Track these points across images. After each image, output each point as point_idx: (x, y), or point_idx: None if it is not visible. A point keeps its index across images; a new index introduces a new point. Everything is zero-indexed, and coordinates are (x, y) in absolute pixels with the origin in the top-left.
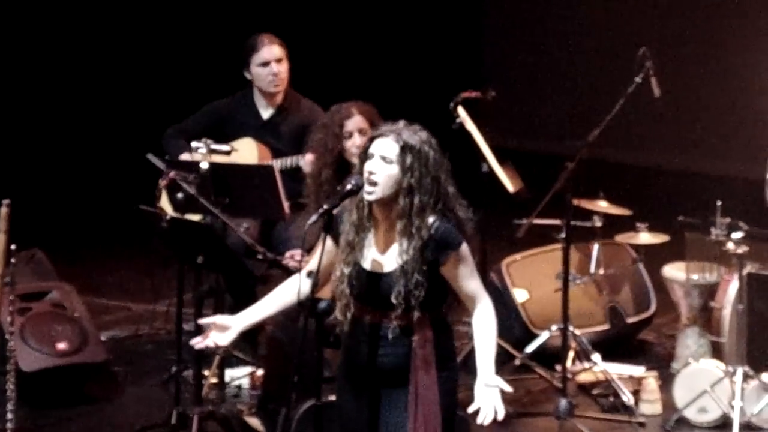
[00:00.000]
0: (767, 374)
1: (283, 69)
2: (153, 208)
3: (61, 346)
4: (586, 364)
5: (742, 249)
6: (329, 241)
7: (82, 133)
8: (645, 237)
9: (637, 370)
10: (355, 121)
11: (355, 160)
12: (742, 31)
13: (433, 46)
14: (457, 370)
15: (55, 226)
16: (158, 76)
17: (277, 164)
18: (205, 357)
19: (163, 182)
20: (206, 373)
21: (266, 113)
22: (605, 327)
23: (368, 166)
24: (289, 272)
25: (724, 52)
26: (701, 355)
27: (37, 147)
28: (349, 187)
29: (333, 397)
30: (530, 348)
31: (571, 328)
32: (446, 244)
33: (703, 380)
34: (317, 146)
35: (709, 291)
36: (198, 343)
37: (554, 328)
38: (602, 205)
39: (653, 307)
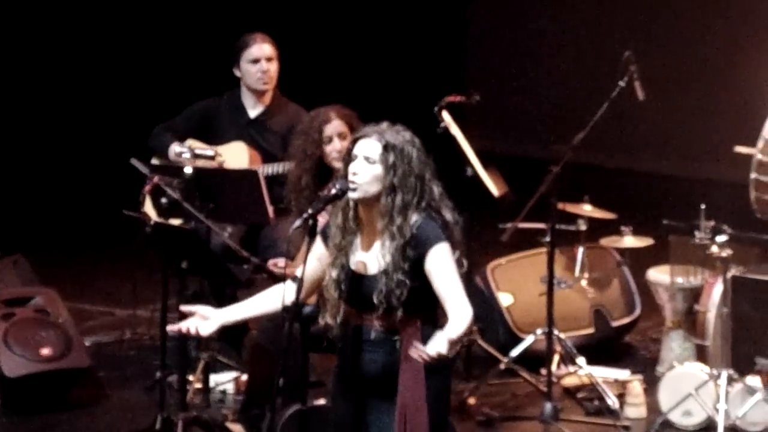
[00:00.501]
0: (751, 377)
1: (272, 68)
2: (137, 213)
3: (45, 351)
4: (571, 368)
5: (726, 252)
6: (322, 249)
7: (65, 137)
8: (629, 240)
9: (622, 374)
10: (334, 126)
11: (336, 165)
12: (725, 36)
13: (417, 50)
14: (448, 377)
15: (39, 232)
16: (143, 80)
17: (267, 170)
18: (189, 362)
19: (147, 187)
20: (191, 378)
21: (253, 112)
22: (590, 330)
23: (352, 167)
24: (273, 277)
25: (708, 56)
26: (686, 358)
27: (19, 152)
28: (333, 191)
29: (319, 402)
30: (515, 352)
31: (556, 332)
32: (426, 241)
33: (688, 383)
34: (297, 152)
35: (694, 294)
36: (174, 328)
37: (539, 331)
38: (587, 208)
39: (638, 311)
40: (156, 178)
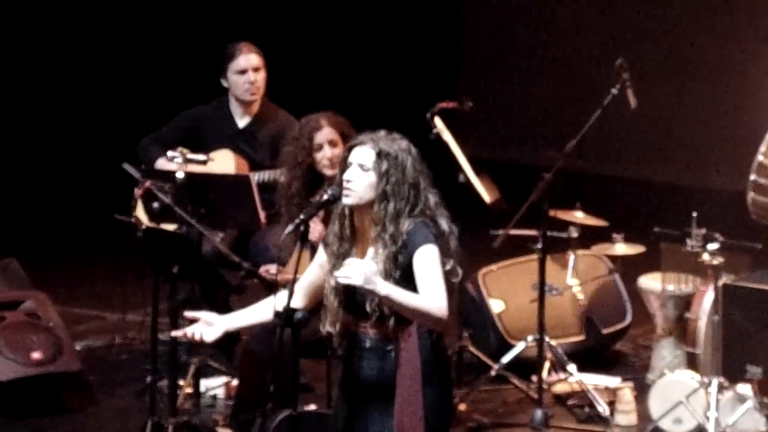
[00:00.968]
0: (742, 385)
1: (260, 78)
2: (128, 218)
3: (36, 355)
4: (562, 375)
5: (718, 260)
6: (323, 256)
7: (57, 141)
8: (621, 248)
9: (613, 381)
10: (325, 133)
11: (326, 172)
12: (718, 44)
13: (410, 56)
14: (448, 385)
15: (30, 236)
16: (135, 84)
17: (258, 176)
18: (180, 367)
19: (138, 192)
20: (181, 383)
21: (242, 122)
22: (581, 338)
23: (346, 174)
24: (264, 283)
25: (701, 63)
26: (676, 366)
27: (11, 156)
28: (325, 197)
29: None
30: (506, 359)
31: (547, 339)
32: (414, 243)
33: (679, 391)
34: (288, 159)
35: (685, 302)
36: (178, 333)
37: (530, 338)
38: (578, 215)
39: (629, 318)
40: (148, 183)
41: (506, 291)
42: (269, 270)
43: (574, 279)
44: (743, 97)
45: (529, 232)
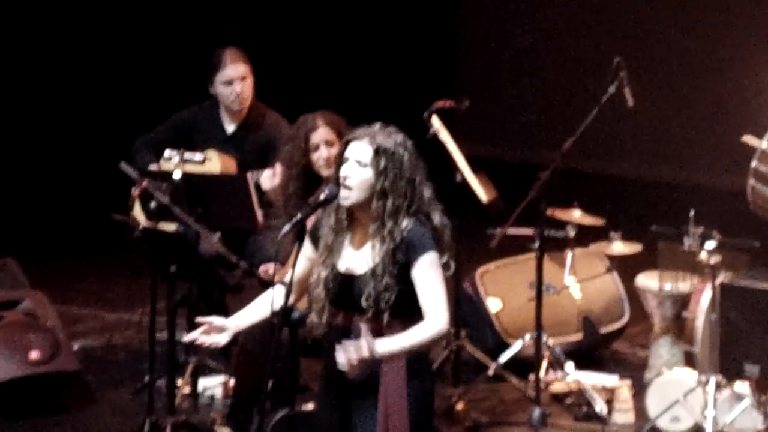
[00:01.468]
0: (739, 384)
1: (246, 87)
2: (126, 218)
3: (34, 355)
4: (560, 374)
5: (715, 259)
6: (310, 250)
7: (55, 141)
8: (618, 246)
9: (610, 380)
10: (321, 134)
11: (323, 172)
12: (715, 44)
13: (407, 55)
14: (431, 381)
15: (28, 235)
16: (130, 84)
17: (255, 176)
18: (178, 366)
19: (135, 191)
20: (179, 382)
21: (230, 128)
22: (579, 336)
23: (343, 170)
24: (262, 282)
25: (698, 62)
26: (674, 364)
27: (8, 155)
28: (323, 196)
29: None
30: (504, 357)
31: (544, 338)
32: (415, 247)
33: (676, 390)
34: (285, 159)
35: (682, 300)
36: (194, 338)
37: (528, 337)
38: (576, 214)
39: (626, 317)
40: (145, 182)
41: (504, 290)
42: (268, 269)
43: (572, 278)
44: (740, 95)
45: (527, 231)
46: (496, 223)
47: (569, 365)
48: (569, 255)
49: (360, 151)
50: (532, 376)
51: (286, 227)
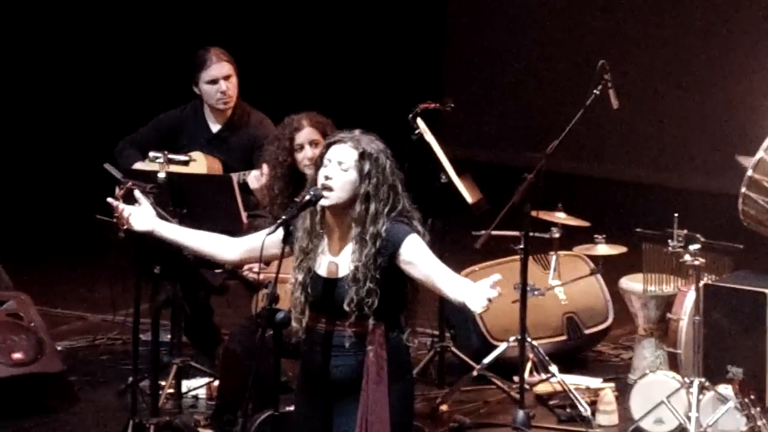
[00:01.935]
0: (723, 386)
1: (231, 86)
2: (110, 218)
3: (17, 356)
4: (544, 375)
5: (699, 261)
6: (277, 238)
7: (38, 141)
8: (603, 248)
9: (594, 381)
10: (306, 134)
11: (308, 172)
12: (701, 45)
13: (393, 57)
14: (412, 383)
15: (11, 236)
16: (114, 85)
17: (239, 177)
18: (161, 367)
19: (119, 192)
20: (163, 383)
21: (215, 127)
22: (563, 338)
23: (325, 171)
24: (246, 283)
25: (683, 64)
26: (658, 366)
27: None
28: (307, 197)
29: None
30: (488, 359)
31: (529, 339)
32: (397, 236)
33: (660, 391)
34: (270, 159)
35: (666, 302)
36: (113, 202)
37: (512, 339)
38: (560, 216)
39: (610, 319)
40: (129, 183)
41: None
42: (252, 269)
43: (556, 280)
44: (725, 98)
45: (512, 233)
46: (480, 224)
47: (553, 367)
48: (554, 257)
49: (343, 153)
50: (516, 378)
51: (272, 228)
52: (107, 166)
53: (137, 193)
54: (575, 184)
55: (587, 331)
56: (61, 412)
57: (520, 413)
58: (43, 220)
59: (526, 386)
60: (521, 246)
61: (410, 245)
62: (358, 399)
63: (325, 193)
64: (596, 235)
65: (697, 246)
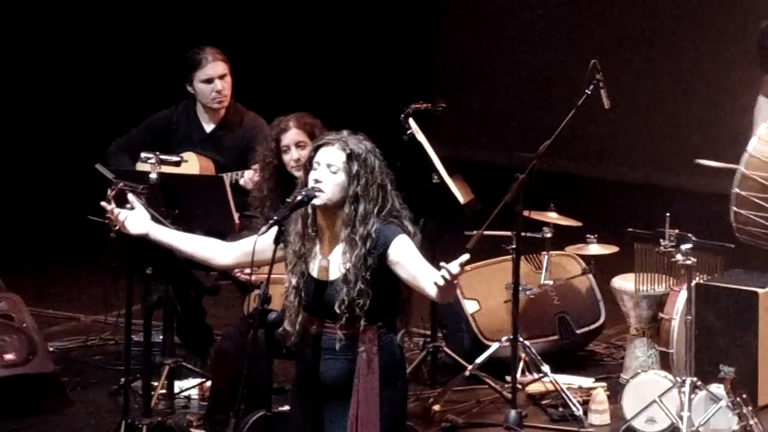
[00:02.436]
0: (715, 385)
1: (226, 85)
2: (101, 219)
3: (9, 356)
4: (536, 375)
5: (691, 260)
6: (269, 240)
7: (30, 142)
8: (595, 248)
9: (586, 381)
10: (291, 135)
11: (296, 173)
12: (694, 46)
13: (384, 57)
14: (405, 385)
15: (3, 237)
16: (105, 86)
17: (231, 177)
18: (154, 368)
19: (111, 193)
20: (155, 384)
21: (209, 127)
22: (555, 338)
23: (314, 174)
24: (238, 283)
25: (675, 65)
26: (650, 365)
27: None
28: (299, 198)
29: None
30: (480, 359)
31: (521, 339)
32: (386, 237)
33: (652, 391)
34: (259, 160)
35: (658, 302)
36: (107, 206)
37: (504, 338)
38: (552, 216)
39: (602, 318)
40: (121, 184)
41: (480, 291)
42: (244, 270)
43: (548, 280)
44: (717, 99)
45: (503, 233)
46: (472, 224)
47: (545, 367)
48: (546, 257)
49: (331, 155)
50: (508, 378)
51: (263, 228)
52: (99, 166)
53: (130, 196)
54: (567, 184)
55: (579, 331)
56: (52, 413)
57: (513, 413)
58: (35, 220)
59: (519, 386)
60: (513, 246)
61: (398, 245)
62: (348, 404)
63: (317, 192)
64: (588, 235)
65: (688, 245)
